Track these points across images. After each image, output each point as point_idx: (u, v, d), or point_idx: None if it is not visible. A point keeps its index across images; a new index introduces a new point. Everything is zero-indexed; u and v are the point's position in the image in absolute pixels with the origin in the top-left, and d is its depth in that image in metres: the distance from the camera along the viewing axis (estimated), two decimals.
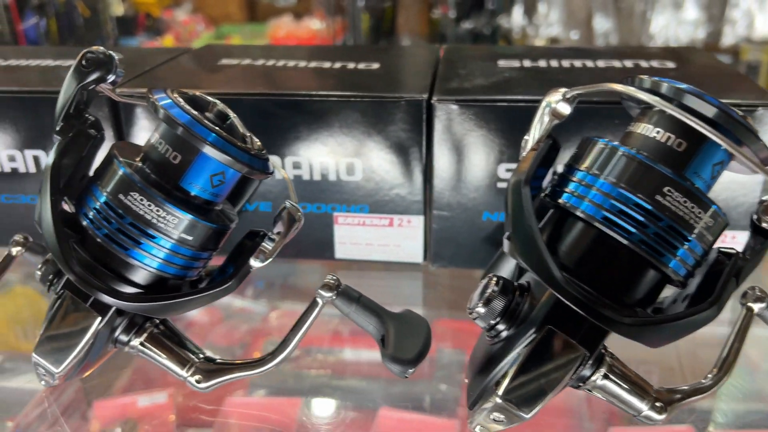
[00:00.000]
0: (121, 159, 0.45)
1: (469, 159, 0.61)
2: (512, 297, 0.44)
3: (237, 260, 0.48)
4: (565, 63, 0.70)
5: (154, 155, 0.45)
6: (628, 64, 0.70)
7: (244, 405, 0.59)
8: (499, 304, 0.44)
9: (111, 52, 0.46)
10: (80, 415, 0.61)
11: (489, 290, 0.44)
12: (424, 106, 0.61)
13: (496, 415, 0.42)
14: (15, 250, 0.59)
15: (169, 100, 0.45)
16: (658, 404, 0.44)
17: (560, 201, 0.44)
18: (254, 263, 0.48)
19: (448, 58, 0.73)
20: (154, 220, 0.44)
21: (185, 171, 0.45)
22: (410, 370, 0.46)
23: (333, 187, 0.65)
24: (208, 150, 0.43)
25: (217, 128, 0.44)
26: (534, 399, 0.41)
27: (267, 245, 0.48)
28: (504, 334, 0.44)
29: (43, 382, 0.49)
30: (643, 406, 0.44)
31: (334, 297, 0.48)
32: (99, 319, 0.46)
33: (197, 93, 0.48)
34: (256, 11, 4.42)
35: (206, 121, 0.44)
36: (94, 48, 0.45)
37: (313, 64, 0.73)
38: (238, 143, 0.45)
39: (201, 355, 0.50)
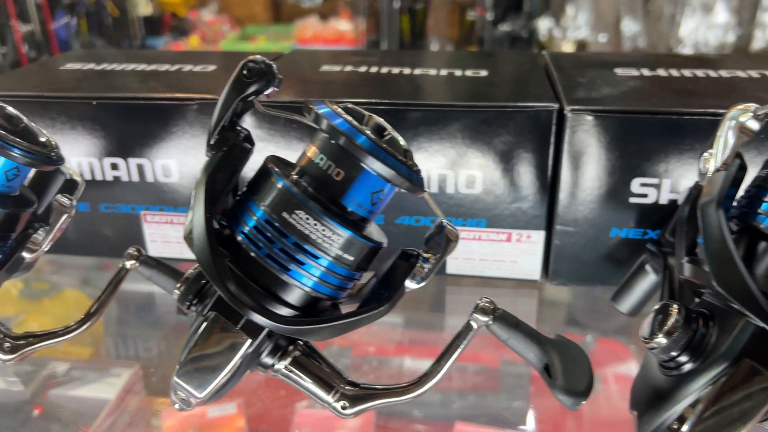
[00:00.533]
0: (281, 173, 0.43)
1: (600, 172, 0.59)
2: (696, 327, 0.41)
3: (391, 282, 0.45)
4: (686, 72, 0.67)
5: (313, 170, 0.43)
6: (754, 74, 0.67)
7: (314, 417, 0.57)
8: (683, 336, 0.41)
9: (270, 62, 0.43)
10: (146, 424, 0.60)
11: (671, 320, 0.41)
12: (555, 116, 0.58)
13: None
14: (129, 264, 0.57)
15: (330, 111, 0.42)
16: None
17: (753, 222, 0.41)
18: (410, 285, 0.45)
19: (558, 65, 0.70)
20: (319, 240, 0.42)
21: (348, 188, 0.42)
22: (582, 402, 0.44)
23: (450, 200, 0.62)
24: (377, 167, 0.41)
25: (384, 144, 0.42)
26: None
27: (423, 266, 0.45)
28: (687, 367, 0.41)
29: (176, 406, 0.46)
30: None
31: (490, 322, 0.46)
32: (249, 341, 0.44)
33: (350, 105, 0.45)
34: (281, 12, 4.41)
35: (370, 134, 0.42)
36: (255, 57, 0.43)
37: (418, 71, 0.70)
38: (400, 158, 0.42)
39: (345, 379, 0.47)
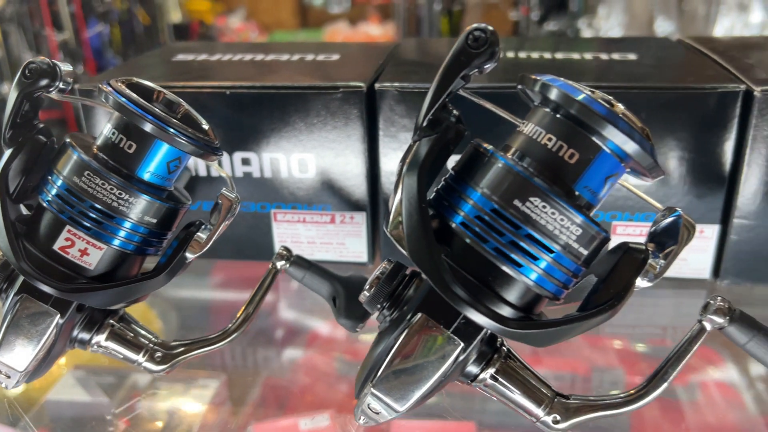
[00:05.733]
0: (507, 157, 0.38)
1: None
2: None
3: (616, 280, 0.40)
4: None
5: (538, 152, 0.38)
6: None
7: (415, 428, 0.53)
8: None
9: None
10: None
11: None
12: (741, 98, 0.53)
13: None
14: (279, 264, 0.53)
15: (563, 82, 0.37)
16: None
17: None
18: (641, 284, 0.40)
19: (714, 48, 0.65)
20: (556, 231, 0.37)
21: (583, 171, 0.38)
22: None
23: (617, 191, 0.57)
24: (626, 147, 0.36)
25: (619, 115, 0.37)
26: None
27: (656, 262, 0.40)
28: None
29: (361, 420, 0.42)
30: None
31: (726, 324, 0.41)
32: (462, 346, 0.39)
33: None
34: (309, 18, 4.39)
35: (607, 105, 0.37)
36: (480, 25, 0.38)
37: (559, 56, 0.65)
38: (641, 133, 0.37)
39: (553, 390, 0.42)
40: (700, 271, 0.60)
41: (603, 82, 0.55)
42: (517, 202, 0.37)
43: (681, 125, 0.54)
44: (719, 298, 0.42)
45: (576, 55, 0.65)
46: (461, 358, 0.39)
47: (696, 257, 0.59)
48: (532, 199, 0.36)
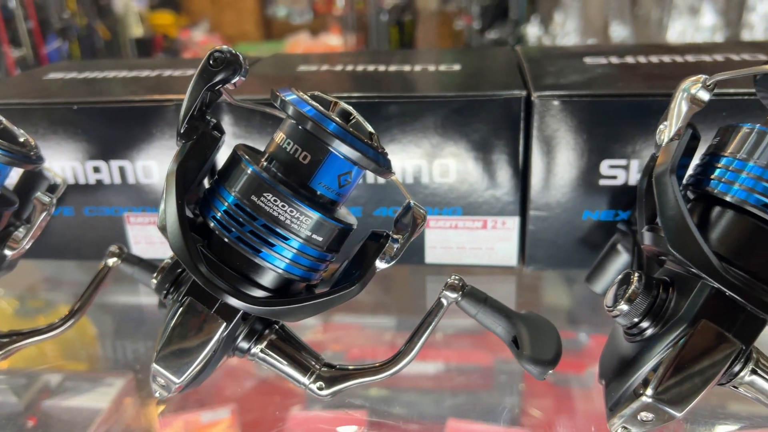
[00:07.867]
0: (250, 160, 0.44)
1: (570, 156, 0.60)
2: (657, 293, 0.42)
3: (362, 263, 0.47)
4: (653, 59, 0.69)
5: (281, 155, 0.44)
6: (719, 57, 0.68)
7: (310, 419, 0.56)
8: (643, 302, 0.42)
9: (236, 51, 0.45)
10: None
11: (632, 287, 0.42)
12: (523, 103, 0.59)
13: (644, 414, 0.40)
14: (111, 261, 0.59)
15: (296, 97, 0.43)
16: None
17: (707, 188, 0.42)
18: (380, 264, 0.46)
19: (530, 57, 0.72)
20: (287, 221, 0.43)
21: (315, 171, 0.44)
22: (549, 371, 0.45)
23: (425, 189, 0.64)
24: (343, 150, 0.42)
25: (346, 125, 0.43)
26: (687, 396, 0.39)
27: (393, 246, 0.46)
28: (649, 332, 0.42)
29: (157, 394, 0.47)
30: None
31: (459, 298, 0.47)
32: (224, 324, 0.45)
33: (316, 92, 0.46)
34: (272, 29, 4.46)
35: (336, 118, 0.43)
36: (221, 47, 0.44)
37: (392, 68, 0.72)
38: (366, 140, 0.44)
39: (322, 361, 0.49)
40: (508, 259, 0.66)
41: (406, 92, 0.62)
42: (253, 197, 0.43)
43: (474, 128, 0.61)
44: (454, 276, 0.48)
45: (407, 68, 0.72)
46: (225, 334, 0.45)
47: (502, 246, 0.65)
48: (265, 194, 0.43)
